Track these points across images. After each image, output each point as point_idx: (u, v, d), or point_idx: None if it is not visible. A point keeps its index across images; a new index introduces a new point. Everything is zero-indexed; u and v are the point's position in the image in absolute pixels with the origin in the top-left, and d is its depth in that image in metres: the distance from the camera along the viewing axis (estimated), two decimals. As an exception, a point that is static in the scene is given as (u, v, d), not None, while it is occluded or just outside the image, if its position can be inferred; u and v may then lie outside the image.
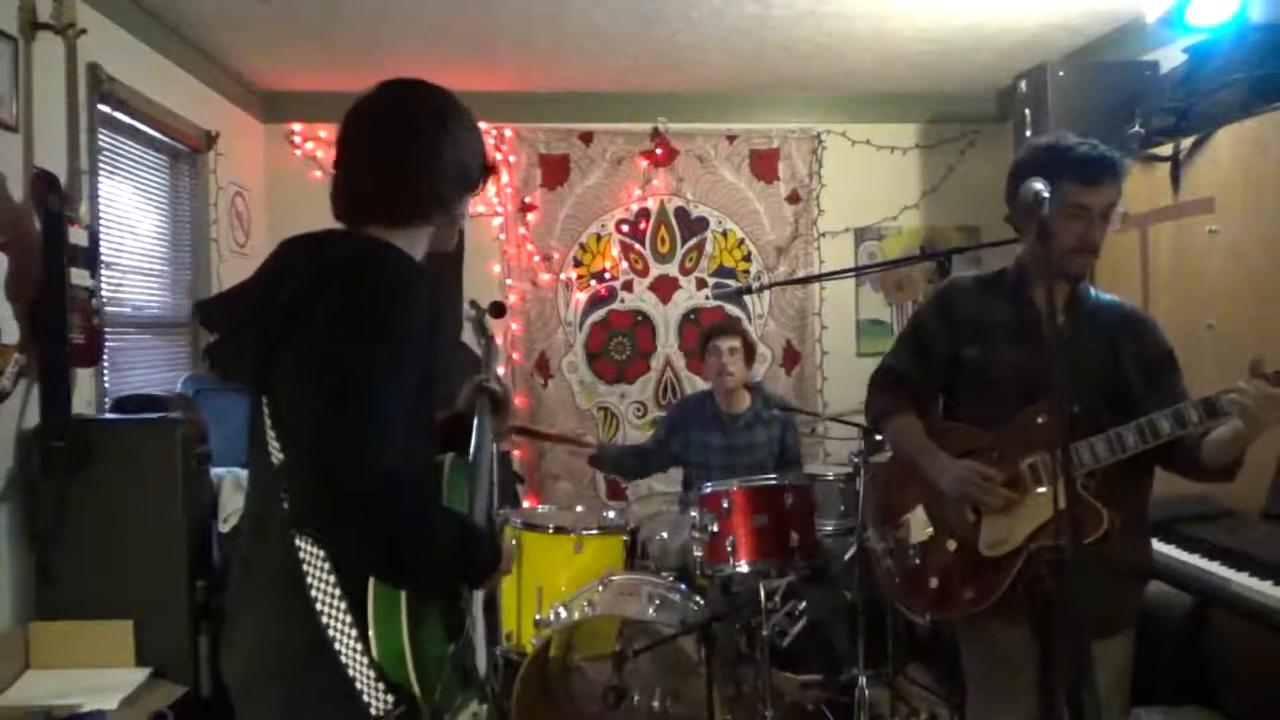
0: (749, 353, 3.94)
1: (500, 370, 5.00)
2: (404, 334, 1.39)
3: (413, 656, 1.37)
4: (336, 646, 1.38)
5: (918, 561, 2.26)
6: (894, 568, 2.34)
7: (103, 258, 3.26)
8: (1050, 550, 2.03)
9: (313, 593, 1.38)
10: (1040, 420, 2.07)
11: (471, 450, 1.75)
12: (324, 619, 1.38)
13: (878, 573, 2.51)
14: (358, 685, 1.38)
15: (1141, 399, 2.07)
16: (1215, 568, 2.41)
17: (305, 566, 1.39)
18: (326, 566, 1.38)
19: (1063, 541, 1.96)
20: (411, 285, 1.44)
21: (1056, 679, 2.13)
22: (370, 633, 1.37)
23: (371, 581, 1.37)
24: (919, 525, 2.27)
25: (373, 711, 1.38)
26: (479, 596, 1.69)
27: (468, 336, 2.16)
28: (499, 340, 4.95)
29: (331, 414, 1.33)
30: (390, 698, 1.38)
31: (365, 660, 1.37)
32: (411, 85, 1.60)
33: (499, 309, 2.20)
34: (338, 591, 1.38)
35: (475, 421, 1.80)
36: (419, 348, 1.42)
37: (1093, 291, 2.21)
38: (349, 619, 1.37)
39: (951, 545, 2.19)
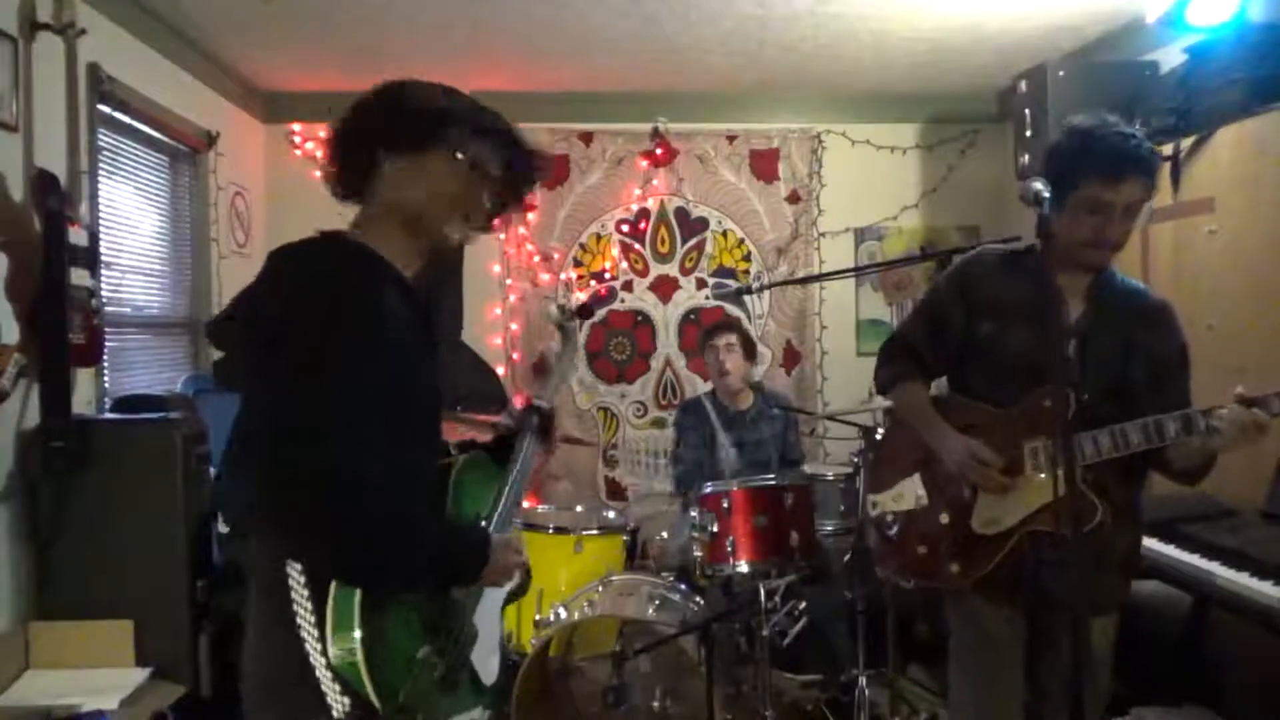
0: (748, 349, 3.97)
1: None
2: (351, 337, 1.37)
3: (366, 659, 1.34)
4: (306, 648, 1.36)
5: (908, 527, 2.28)
6: (882, 531, 2.35)
7: (103, 258, 3.26)
8: (1043, 536, 2.07)
9: (292, 594, 1.38)
10: (1047, 404, 2.08)
11: (511, 460, 1.74)
12: (298, 620, 1.37)
13: (869, 540, 2.54)
14: (322, 687, 1.36)
15: (1146, 396, 2.08)
16: (1215, 568, 2.41)
17: (288, 570, 1.38)
18: (299, 571, 1.38)
19: (1056, 529, 2.01)
20: (363, 287, 1.42)
21: (1040, 657, 2.17)
22: (327, 632, 1.35)
23: (333, 583, 1.36)
24: (914, 492, 2.28)
25: (334, 714, 1.36)
26: (496, 600, 1.66)
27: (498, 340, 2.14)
28: (495, 341, 5.01)
29: (265, 417, 1.35)
30: (346, 700, 1.36)
31: (324, 662, 1.35)
32: (402, 81, 1.60)
33: (587, 310, 2.12)
34: (306, 592, 1.37)
35: (521, 436, 1.79)
36: (375, 349, 1.39)
37: (1118, 278, 2.18)
38: (314, 620, 1.36)
39: (945, 518, 2.21)
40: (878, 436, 3.32)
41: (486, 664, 1.62)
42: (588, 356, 5.20)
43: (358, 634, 1.34)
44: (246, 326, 1.46)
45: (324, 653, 1.35)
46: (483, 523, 1.63)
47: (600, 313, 5.22)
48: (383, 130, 1.54)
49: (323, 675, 1.36)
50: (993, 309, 2.20)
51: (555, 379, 1.96)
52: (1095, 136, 2.02)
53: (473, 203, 1.57)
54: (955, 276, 2.29)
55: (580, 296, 5.08)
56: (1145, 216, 2.12)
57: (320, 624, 1.35)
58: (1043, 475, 2.08)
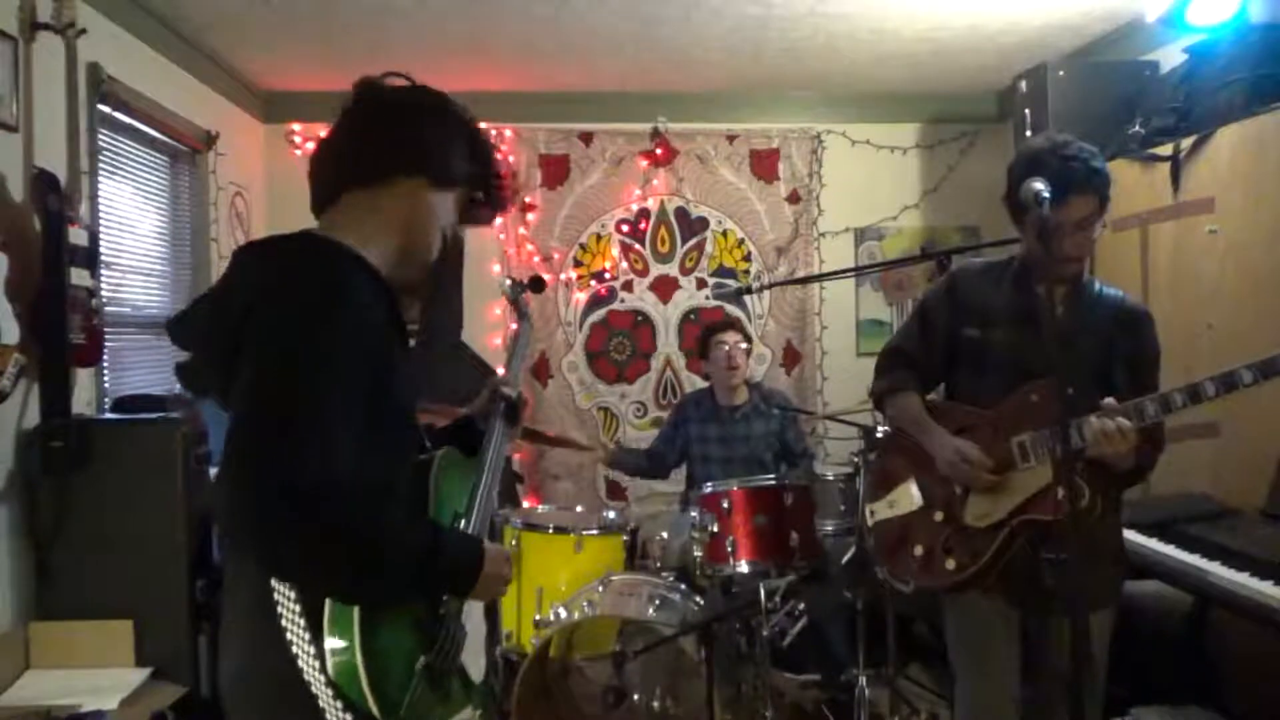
0: (749, 348, 4.04)
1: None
2: (337, 343, 1.34)
3: (367, 672, 1.32)
4: (300, 665, 1.34)
5: (905, 530, 2.34)
6: (881, 537, 2.42)
7: (103, 258, 3.26)
8: (1035, 525, 2.13)
9: (279, 609, 1.35)
10: (1034, 399, 2.16)
11: (481, 453, 1.72)
12: (289, 636, 1.35)
13: (868, 548, 2.60)
14: (320, 703, 1.34)
15: (1124, 393, 2.13)
16: (1215, 568, 2.41)
17: (273, 584, 1.36)
18: (288, 587, 1.35)
19: (1046, 516, 2.09)
20: (347, 291, 1.38)
21: (1036, 649, 2.24)
22: (325, 648, 1.32)
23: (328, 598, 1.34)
24: (910, 497, 2.34)
25: None
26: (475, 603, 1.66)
27: (464, 325, 2.14)
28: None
29: (250, 429, 1.31)
30: (349, 716, 1.33)
31: (323, 679, 1.33)
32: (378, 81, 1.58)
33: (538, 284, 2.14)
34: (298, 609, 1.34)
35: (489, 425, 1.78)
36: (359, 354, 1.36)
37: (1096, 285, 2.28)
38: (309, 636, 1.33)
39: (939, 515, 2.27)
40: (878, 436, 3.32)
41: (475, 662, 1.61)
42: (588, 356, 5.21)
43: (358, 647, 1.31)
44: (229, 330, 1.39)
45: (322, 669, 1.32)
46: (462, 521, 1.61)
47: (600, 313, 5.22)
48: (350, 164, 1.53)
49: (321, 691, 1.33)
50: (978, 314, 2.30)
51: (519, 353, 1.98)
52: (1039, 161, 2.10)
53: (446, 216, 1.59)
54: (943, 286, 2.41)
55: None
56: (1099, 229, 2.19)
57: (316, 639, 1.33)
58: (1029, 465, 2.15)
